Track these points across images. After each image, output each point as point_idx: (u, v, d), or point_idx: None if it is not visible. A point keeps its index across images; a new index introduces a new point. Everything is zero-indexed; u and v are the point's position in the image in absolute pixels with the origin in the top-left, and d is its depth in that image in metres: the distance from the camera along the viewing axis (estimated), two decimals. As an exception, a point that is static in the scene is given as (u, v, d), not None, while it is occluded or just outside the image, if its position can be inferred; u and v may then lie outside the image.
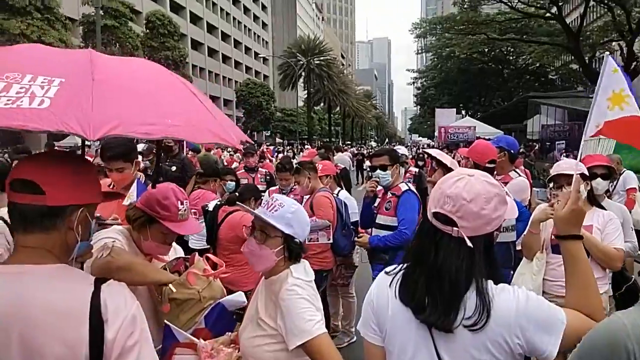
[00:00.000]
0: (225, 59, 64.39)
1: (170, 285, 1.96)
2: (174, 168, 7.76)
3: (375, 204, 3.90)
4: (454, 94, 49.48)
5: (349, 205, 4.46)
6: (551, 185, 3.09)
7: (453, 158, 17.63)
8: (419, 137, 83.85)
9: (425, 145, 40.97)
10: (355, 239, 3.97)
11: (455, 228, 1.38)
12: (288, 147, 34.16)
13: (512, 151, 4.05)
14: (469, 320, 1.32)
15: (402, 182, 3.90)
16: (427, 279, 1.40)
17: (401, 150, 7.74)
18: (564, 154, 13.53)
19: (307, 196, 4.40)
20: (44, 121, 1.13)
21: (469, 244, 1.35)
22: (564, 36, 30.69)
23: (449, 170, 10.33)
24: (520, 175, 4.05)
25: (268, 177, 6.68)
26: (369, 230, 3.97)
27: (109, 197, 1.70)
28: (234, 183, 6.35)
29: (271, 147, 27.52)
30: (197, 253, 2.23)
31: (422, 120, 78.62)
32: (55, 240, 1.28)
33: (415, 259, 1.47)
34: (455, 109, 42.48)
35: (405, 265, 1.51)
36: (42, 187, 1.23)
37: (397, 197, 3.69)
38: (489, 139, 24.34)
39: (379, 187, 3.90)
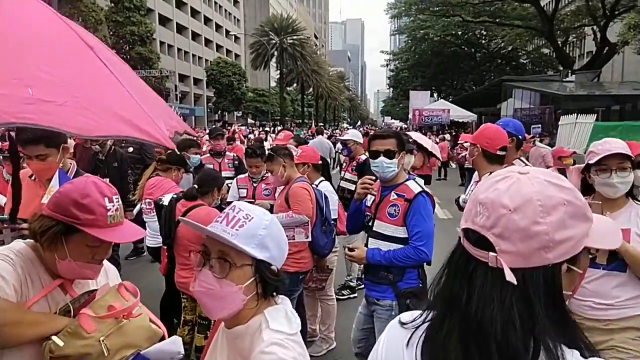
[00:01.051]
0: (195, 36, 62.15)
1: (54, 337, 1.35)
2: (130, 149, 6.99)
3: (367, 204, 3.00)
4: (427, 76, 49.22)
5: (329, 199, 3.88)
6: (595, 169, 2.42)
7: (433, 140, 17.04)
8: (391, 119, 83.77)
9: (399, 128, 40.76)
10: (346, 250, 2.95)
11: (492, 253, 0.88)
12: (260, 129, 33.28)
13: (519, 137, 3.55)
14: None
15: (410, 177, 2.95)
16: (462, 336, 0.90)
17: (351, 134, 6.35)
18: (538, 139, 13.10)
19: (281, 187, 3.82)
20: None
21: (510, 277, 0.85)
22: (537, 20, 30.61)
23: (430, 154, 9.71)
24: (526, 164, 3.55)
25: (236, 162, 5.89)
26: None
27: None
28: (198, 157, 5.70)
29: (244, 128, 26.55)
30: (108, 284, 1.59)
31: (394, 102, 78.65)
32: None
33: (444, 304, 0.96)
34: (428, 92, 42.39)
35: (430, 313, 1.01)
36: None
37: (408, 201, 2.76)
38: (463, 122, 24.08)
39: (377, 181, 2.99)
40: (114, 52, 1.28)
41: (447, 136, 22.91)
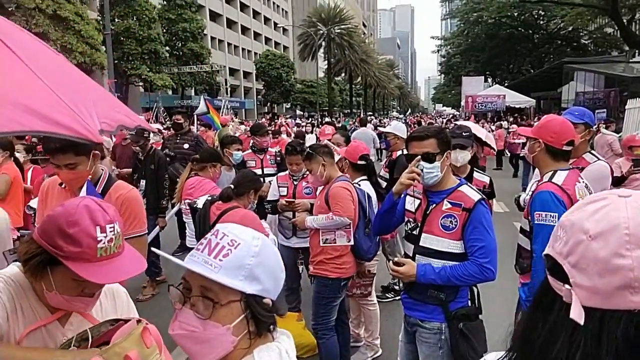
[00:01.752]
0: (245, 30, 62.97)
1: None
2: (186, 146, 6.88)
3: (412, 208, 2.54)
4: (481, 61, 47.39)
5: (373, 198, 3.61)
6: None
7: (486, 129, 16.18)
8: (443, 106, 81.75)
9: (450, 116, 39.56)
10: (391, 265, 2.54)
11: (566, 286, 0.74)
12: (309, 120, 33.17)
13: (593, 128, 3.15)
14: None
15: (462, 181, 2.48)
16: None
17: (392, 127, 5.75)
18: (604, 126, 11.56)
19: (322, 187, 3.60)
20: None
21: (575, 315, 0.71)
22: (600, -3, 28.59)
23: (484, 144, 9.06)
24: (598, 159, 3.13)
25: (279, 159, 5.58)
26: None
27: None
28: (240, 153, 5.57)
29: (290, 120, 26.46)
30: (134, 321, 1.32)
31: (446, 89, 76.39)
32: None
33: (520, 338, 0.82)
34: (482, 77, 40.78)
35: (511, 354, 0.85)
36: None
37: (467, 210, 2.35)
38: (520, 108, 22.72)
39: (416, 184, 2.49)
40: (38, 39, 1.12)
41: (505, 123, 21.82)
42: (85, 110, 0.93)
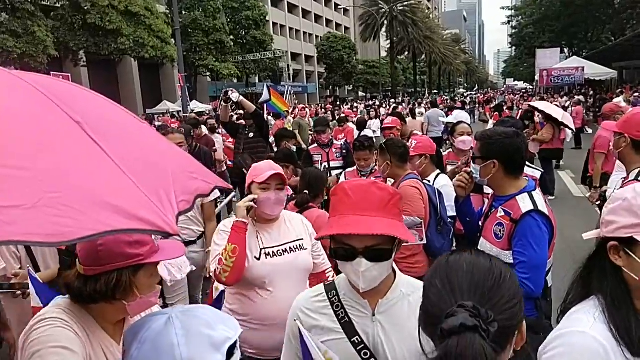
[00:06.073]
0: (306, 13, 62.95)
1: None
2: (251, 135, 6.84)
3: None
4: (555, 31, 44.26)
5: (445, 195, 3.52)
6: None
7: (558, 106, 15.16)
8: (514, 81, 77.61)
9: (523, 91, 37.55)
10: None
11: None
12: (369, 103, 32.69)
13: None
14: None
15: (525, 189, 2.31)
16: None
17: (454, 116, 5.67)
18: None
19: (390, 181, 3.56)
20: None
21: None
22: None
23: (560, 125, 8.46)
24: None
25: (344, 152, 5.59)
26: None
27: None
28: (295, 148, 5.59)
29: (355, 109, 25.91)
30: None
31: (517, 62, 72.42)
32: None
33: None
34: (558, 49, 38.20)
35: None
36: None
37: (514, 221, 2.24)
38: (600, 80, 20.95)
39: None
40: (122, 108, 1.15)
41: (582, 97, 20.29)
42: (165, 196, 0.97)
